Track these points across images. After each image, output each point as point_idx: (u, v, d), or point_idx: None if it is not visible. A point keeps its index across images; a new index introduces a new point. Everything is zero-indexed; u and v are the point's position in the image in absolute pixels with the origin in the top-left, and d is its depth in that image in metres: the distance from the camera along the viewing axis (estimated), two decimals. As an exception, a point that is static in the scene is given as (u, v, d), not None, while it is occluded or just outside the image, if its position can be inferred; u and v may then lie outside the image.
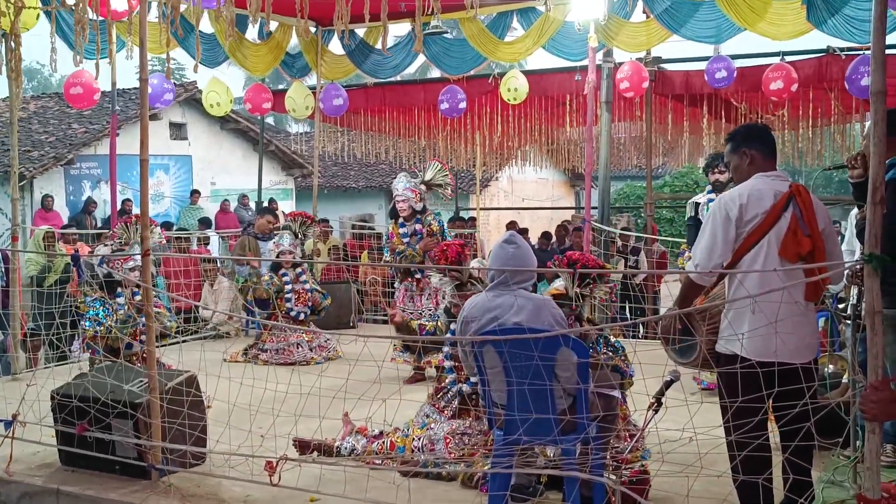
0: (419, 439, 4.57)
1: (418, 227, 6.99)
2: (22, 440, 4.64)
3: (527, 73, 10.13)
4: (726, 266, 3.43)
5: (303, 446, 4.64)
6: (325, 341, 7.95)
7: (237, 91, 14.62)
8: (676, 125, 10.81)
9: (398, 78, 13.03)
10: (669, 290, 5.38)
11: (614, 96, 9.65)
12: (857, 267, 3.39)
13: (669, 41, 8.59)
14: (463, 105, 10.22)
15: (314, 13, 9.21)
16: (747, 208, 3.39)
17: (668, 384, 3.50)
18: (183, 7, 5.92)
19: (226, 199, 16.55)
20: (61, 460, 4.64)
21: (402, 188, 6.98)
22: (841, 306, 5.43)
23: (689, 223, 6.40)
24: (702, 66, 9.23)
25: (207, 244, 13.53)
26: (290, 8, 7.04)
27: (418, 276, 6.89)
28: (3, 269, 8.50)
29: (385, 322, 9.69)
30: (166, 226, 11.86)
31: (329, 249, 11.15)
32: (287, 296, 8.00)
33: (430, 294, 6.87)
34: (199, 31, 6.47)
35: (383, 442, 4.63)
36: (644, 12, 8.58)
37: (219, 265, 9.73)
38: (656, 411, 3.40)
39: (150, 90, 4.68)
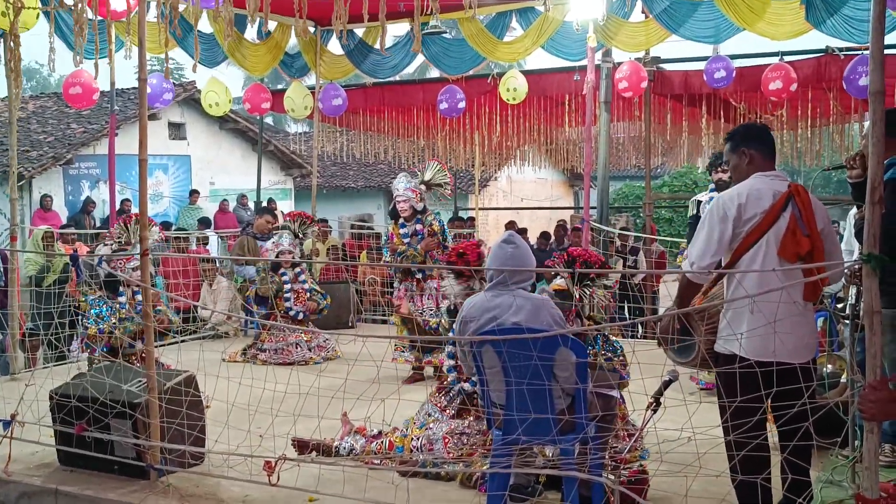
0: (418, 439, 4.57)
1: (419, 227, 6.98)
2: (20, 440, 4.64)
3: (526, 73, 10.13)
4: (725, 266, 3.43)
5: (301, 446, 4.64)
6: (324, 341, 7.95)
7: (236, 91, 14.63)
8: (675, 125, 10.81)
9: (397, 78, 13.05)
10: (668, 290, 5.37)
11: (613, 96, 9.65)
12: (856, 267, 3.39)
13: (668, 41, 8.59)
14: (462, 105, 10.22)
15: (313, 13, 9.21)
16: (746, 208, 3.39)
17: (666, 384, 3.50)
18: (182, 7, 5.92)
19: (225, 199, 16.54)
20: (60, 460, 4.63)
21: (403, 188, 6.96)
22: (839, 306, 5.44)
23: (690, 221, 6.41)
24: (701, 66, 9.24)
25: (206, 244, 13.53)
26: (288, 8, 7.03)
27: (419, 276, 6.88)
28: (1, 269, 8.49)
29: (384, 322, 9.69)
30: (165, 226, 11.85)
31: (328, 249, 11.14)
32: (286, 295, 8.00)
33: (430, 294, 6.87)
34: (198, 31, 6.47)
35: (382, 442, 4.63)
36: (643, 12, 8.58)
37: (217, 265, 9.73)
38: (655, 411, 3.39)
39: (148, 90, 4.69)
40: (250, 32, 9.66)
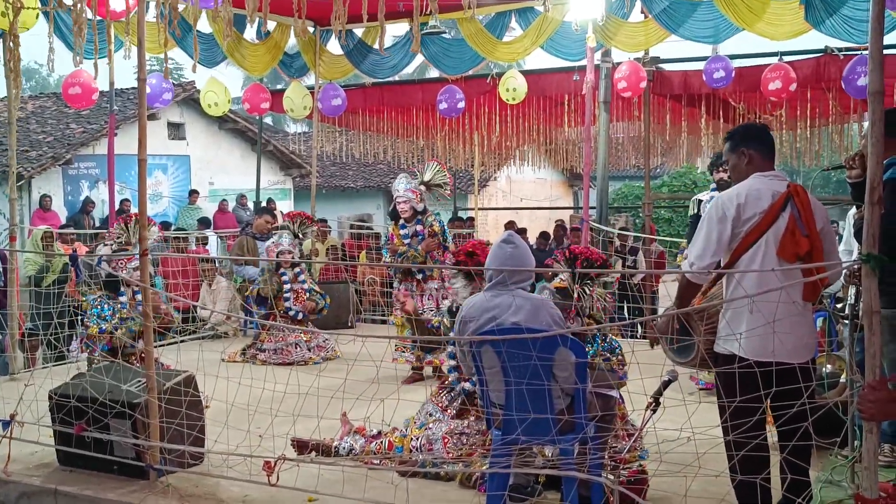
0: (417, 439, 4.57)
1: (419, 227, 6.97)
2: (20, 440, 4.64)
3: (525, 73, 10.13)
4: (725, 266, 3.43)
5: (301, 446, 4.64)
6: (324, 341, 7.95)
7: (235, 91, 14.64)
8: (674, 125, 10.82)
9: (396, 78, 13.05)
10: (668, 290, 5.36)
11: (612, 96, 9.64)
12: (855, 267, 3.39)
13: (667, 41, 8.59)
14: (461, 105, 10.21)
15: (312, 13, 9.20)
16: (745, 208, 3.39)
17: (666, 384, 3.50)
18: (181, 7, 5.92)
19: (224, 199, 16.54)
20: (59, 460, 4.63)
21: (403, 189, 6.95)
22: (839, 306, 5.44)
23: (691, 220, 6.41)
24: (700, 66, 9.23)
25: (206, 244, 13.53)
26: (287, 8, 7.02)
27: (419, 276, 6.88)
28: (1, 269, 8.49)
29: (384, 322, 9.69)
30: (164, 226, 11.85)
31: (327, 249, 11.14)
32: (286, 295, 8.00)
33: (430, 294, 6.87)
34: (197, 31, 6.48)
35: (381, 442, 4.63)
36: (642, 12, 8.58)
37: (217, 265, 9.73)
38: (654, 411, 3.40)
39: (148, 90, 4.69)
40: (249, 32, 9.66)
